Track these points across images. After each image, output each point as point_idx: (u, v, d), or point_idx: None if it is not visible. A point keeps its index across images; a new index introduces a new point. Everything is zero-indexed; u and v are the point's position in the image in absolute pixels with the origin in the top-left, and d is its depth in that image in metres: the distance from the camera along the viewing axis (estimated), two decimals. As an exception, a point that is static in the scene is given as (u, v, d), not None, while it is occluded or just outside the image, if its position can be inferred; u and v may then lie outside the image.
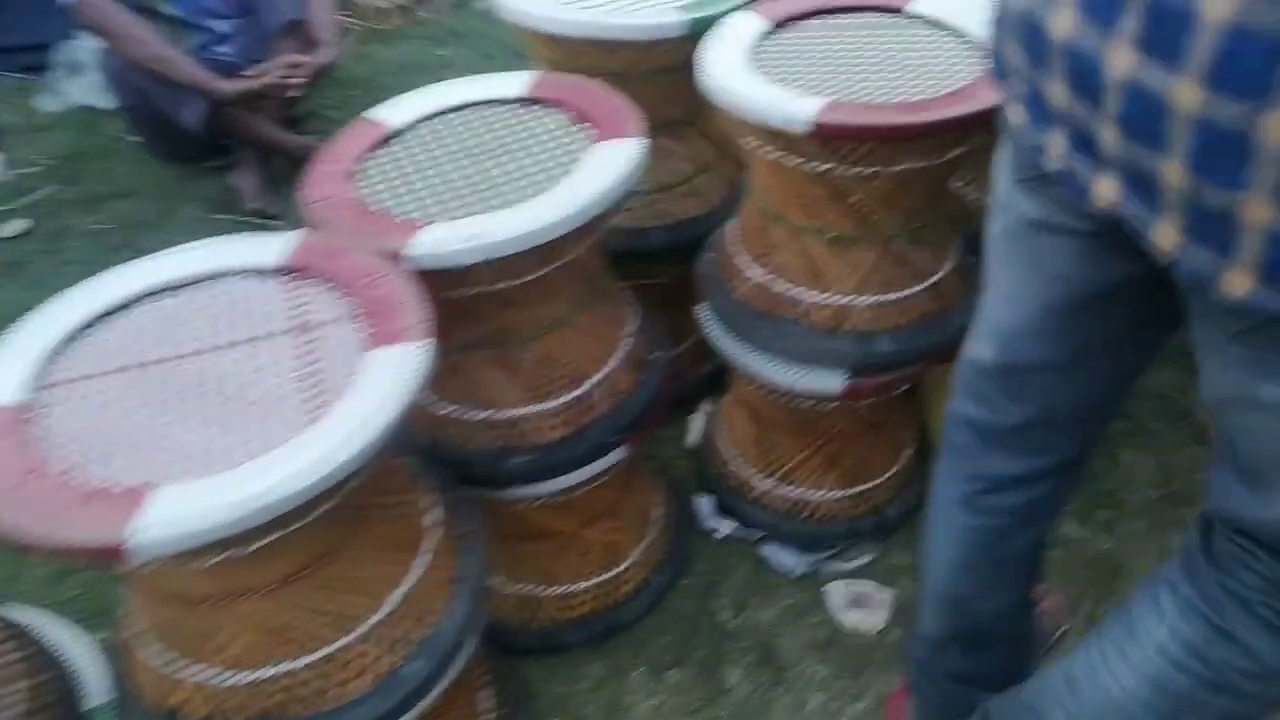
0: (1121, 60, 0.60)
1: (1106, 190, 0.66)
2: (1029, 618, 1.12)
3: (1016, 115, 0.75)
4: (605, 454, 1.19)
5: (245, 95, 2.10)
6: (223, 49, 2.30)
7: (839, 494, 1.47)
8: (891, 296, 1.24)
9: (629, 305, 1.26)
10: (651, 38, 1.25)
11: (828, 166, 1.12)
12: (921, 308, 1.25)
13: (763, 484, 1.49)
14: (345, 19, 2.94)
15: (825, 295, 1.24)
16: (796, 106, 1.06)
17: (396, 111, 1.17)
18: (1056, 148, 0.70)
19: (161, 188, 2.39)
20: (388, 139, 1.15)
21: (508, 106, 1.19)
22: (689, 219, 1.47)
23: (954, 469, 1.02)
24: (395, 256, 0.95)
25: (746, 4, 1.28)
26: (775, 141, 1.12)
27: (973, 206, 1.46)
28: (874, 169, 1.11)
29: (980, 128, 1.12)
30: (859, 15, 1.28)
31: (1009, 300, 0.88)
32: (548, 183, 1.04)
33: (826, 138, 1.07)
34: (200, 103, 2.12)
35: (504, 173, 1.07)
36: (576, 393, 1.16)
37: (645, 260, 1.50)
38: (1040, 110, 0.71)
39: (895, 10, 1.27)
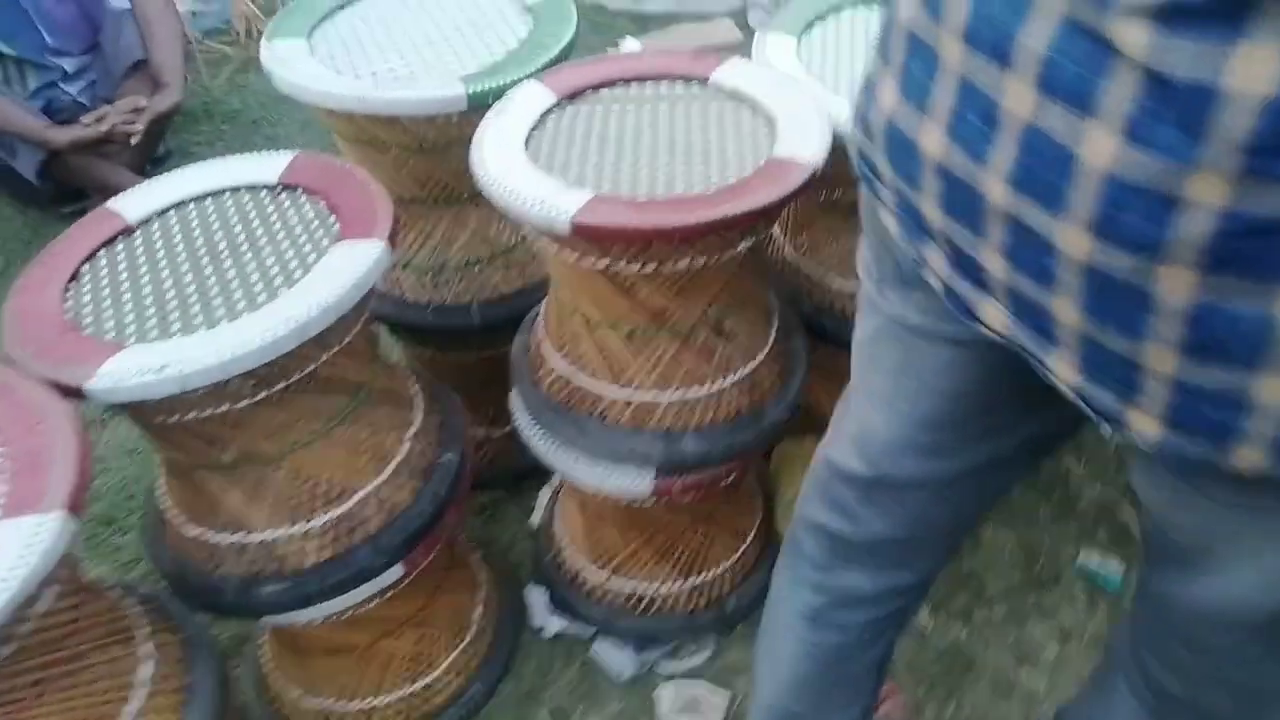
0: (999, 193, 0.53)
1: (994, 316, 0.60)
2: None
3: (888, 222, 0.67)
4: (378, 575, 1.08)
5: (80, 143, 1.97)
6: (69, 87, 2.17)
7: (674, 586, 1.37)
8: (697, 392, 1.13)
9: (412, 403, 1.15)
10: (430, 112, 1.14)
11: (605, 262, 1.01)
12: (732, 403, 1.15)
13: (595, 576, 1.39)
14: (220, 45, 2.81)
15: (626, 391, 1.13)
16: (558, 203, 0.95)
17: (138, 201, 1.06)
18: (936, 263, 0.62)
19: (13, 235, 2.26)
20: (120, 235, 1.03)
21: (259, 194, 1.07)
22: (509, 293, 1.37)
23: (799, 578, 0.94)
24: (75, 392, 0.83)
25: (535, 73, 1.16)
26: (547, 235, 1.01)
27: (801, 285, 1.36)
28: (652, 266, 1.01)
29: (765, 222, 1.03)
30: (657, 85, 1.17)
31: (881, 408, 0.79)
32: (277, 291, 0.93)
33: (588, 238, 0.96)
34: (35, 152, 1.99)
35: (237, 276, 0.96)
36: (339, 510, 1.05)
37: (466, 336, 1.39)
38: (915, 223, 0.63)
39: (698, 80, 1.17)
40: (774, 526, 1.45)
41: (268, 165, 1.09)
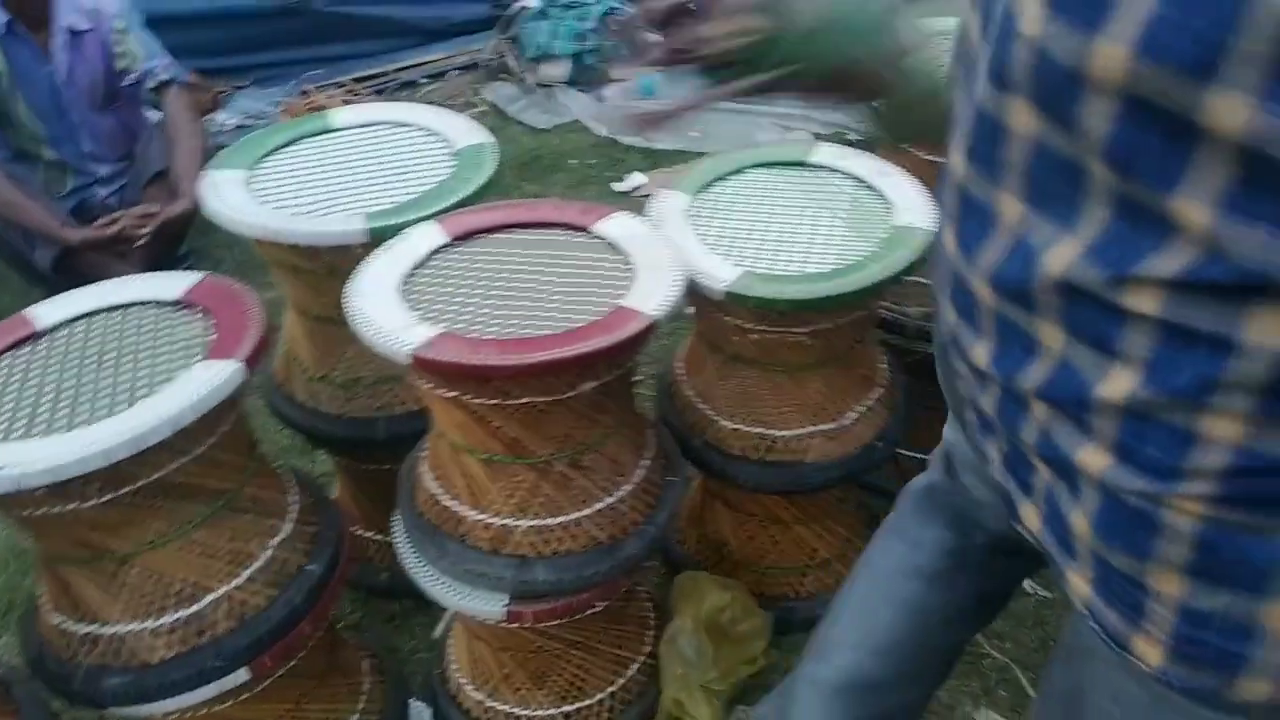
0: (1037, 406, 0.58)
1: (1031, 519, 0.63)
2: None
3: (961, 411, 0.72)
4: (222, 677, 1.12)
5: (90, 243, 2.15)
6: (103, 191, 2.38)
7: (549, 712, 1.38)
8: (554, 521, 1.18)
9: (285, 512, 1.21)
10: (334, 243, 1.24)
11: (454, 394, 1.08)
12: (589, 534, 1.19)
13: (474, 695, 1.41)
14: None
15: (485, 515, 1.18)
16: (404, 336, 1.03)
17: (52, 310, 1.17)
18: (995, 460, 0.67)
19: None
20: (28, 339, 1.14)
21: (159, 309, 1.18)
22: (416, 410, 1.44)
23: (908, 539, 1.03)
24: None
25: (436, 214, 1.26)
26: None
27: (696, 421, 1.41)
28: (495, 400, 1.07)
29: (607, 366, 1.09)
30: (544, 232, 1.26)
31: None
32: (135, 401, 1.01)
33: (426, 370, 1.03)
34: (52, 247, 2.18)
35: (110, 385, 1.05)
36: (189, 611, 1.10)
37: (375, 448, 1.46)
38: (980, 421, 0.68)
39: (583, 229, 1.25)
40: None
41: (175, 284, 1.19)
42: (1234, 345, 0.46)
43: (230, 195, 1.31)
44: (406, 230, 1.23)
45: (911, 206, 1.28)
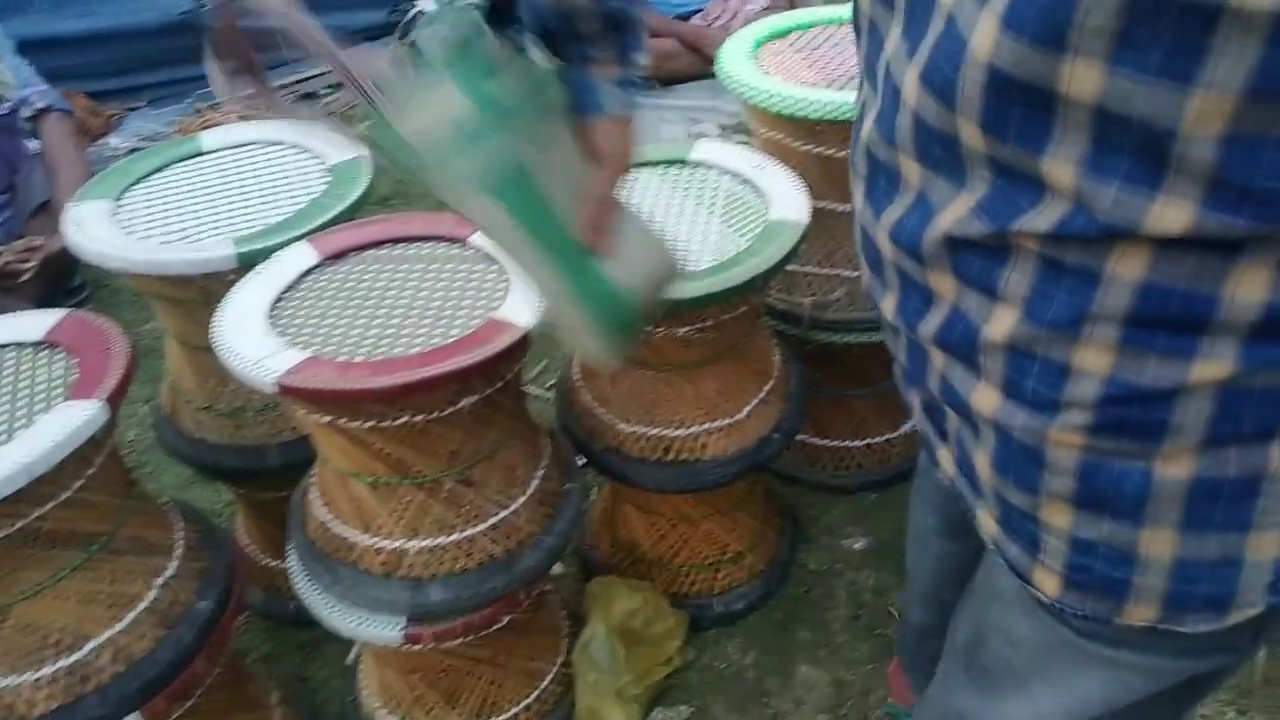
0: (937, 358, 0.62)
1: (946, 463, 0.68)
2: None
3: (898, 376, 0.75)
4: (109, 725, 1.09)
5: (-31, 279, 2.08)
6: (-14, 224, 2.29)
7: (464, 731, 1.37)
8: (446, 539, 1.16)
9: (170, 549, 1.18)
10: (201, 271, 1.21)
11: (329, 419, 1.06)
12: (484, 550, 1.18)
13: None
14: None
15: (376, 539, 1.16)
16: (269, 364, 1.01)
17: (-95, 357, 1.12)
18: (915, 406, 0.71)
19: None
20: (-122, 390, 1.09)
21: (21, 350, 1.13)
22: (303, 437, 1.40)
23: (927, 500, 1.08)
24: None
25: (307, 234, 1.24)
26: (275, 392, 1.06)
27: (594, 426, 1.40)
28: (371, 423, 1.05)
29: (483, 380, 1.07)
30: (420, 246, 1.24)
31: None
32: (-10, 451, 0.98)
33: (293, 398, 1.01)
34: (-70, 285, 2.10)
35: (-35, 435, 1.01)
36: (70, 660, 1.07)
37: (267, 476, 1.43)
38: (900, 369, 0.72)
39: (459, 241, 1.23)
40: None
41: (37, 324, 1.15)
42: (1100, 279, 0.50)
43: (94, 228, 1.27)
44: (277, 253, 1.20)
45: (786, 201, 1.29)
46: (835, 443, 1.79)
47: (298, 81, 3.44)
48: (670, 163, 1.43)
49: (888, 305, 0.66)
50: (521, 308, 1.08)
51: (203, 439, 1.40)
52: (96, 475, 1.07)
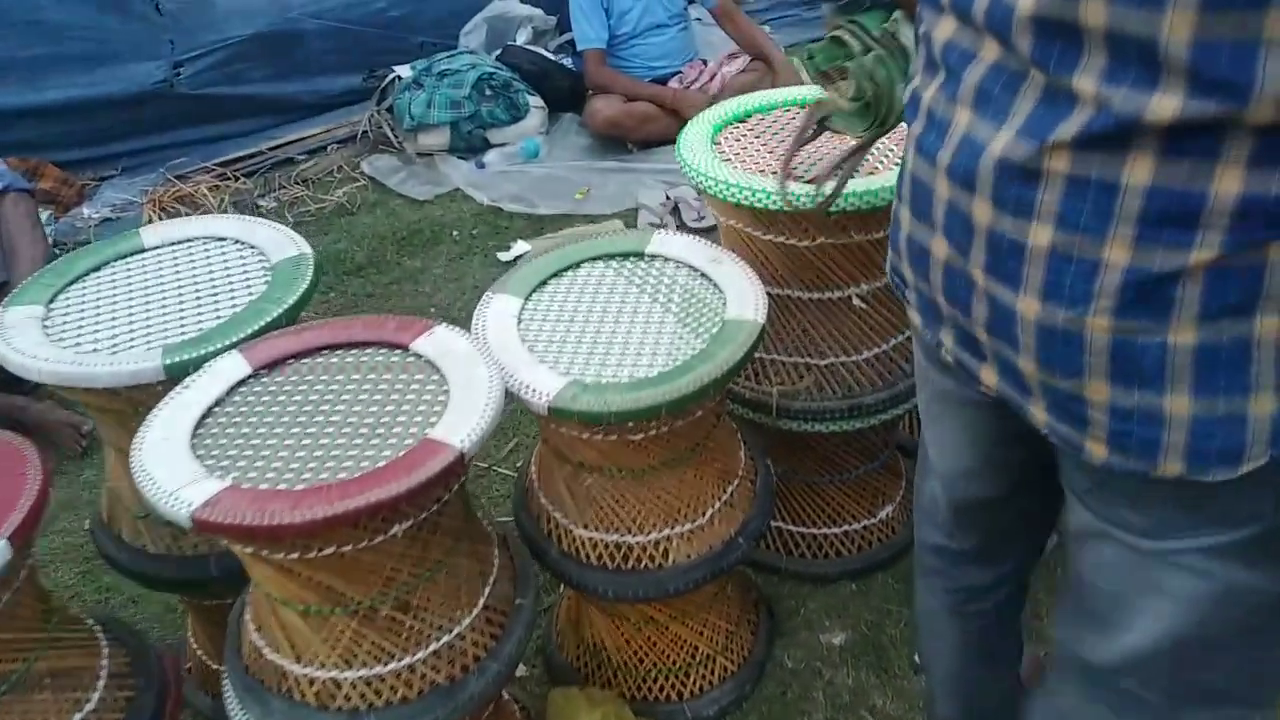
0: (980, 278, 0.74)
1: (988, 377, 0.80)
2: (1021, 688, 1.26)
3: (915, 317, 0.89)
4: None
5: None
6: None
7: None
8: (384, 669, 1.09)
9: (90, 680, 1.11)
10: (125, 384, 1.15)
11: (251, 549, 0.99)
12: (426, 678, 1.11)
13: None
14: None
15: (310, 669, 1.09)
16: (185, 495, 0.95)
17: None
18: (948, 342, 0.84)
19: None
20: None
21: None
22: (251, 545, 1.34)
23: (932, 586, 1.18)
24: None
25: (240, 342, 1.18)
26: (193, 522, 1.00)
27: (551, 530, 1.34)
28: (294, 555, 0.98)
29: (414, 508, 1.01)
30: (358, 353, 1.18)
31: (943, 453, 1.04)
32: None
33: (209, 533, 0.95)
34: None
35: None
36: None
37: (207, 586, 1.36)
38: (932, 314, 0.85)
39: (399, 348, 1.18)
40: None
41: (-50, 445, 1.09)
42: (1118, 187, 0.64)
43: (19, 337, 1.21)
44: (207, 364, 1.15)
45: (743, 298, 1.24)
46: (811, 530, 1.72)
47: (272, 148, 3.41)
48: (626, 256, 1.38)
49: (937, 247, 0.78)
50: (458, 426, 1.02)
51: (142, 548, 1.34)
52: (4, 611, 1.00)
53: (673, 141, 3.31)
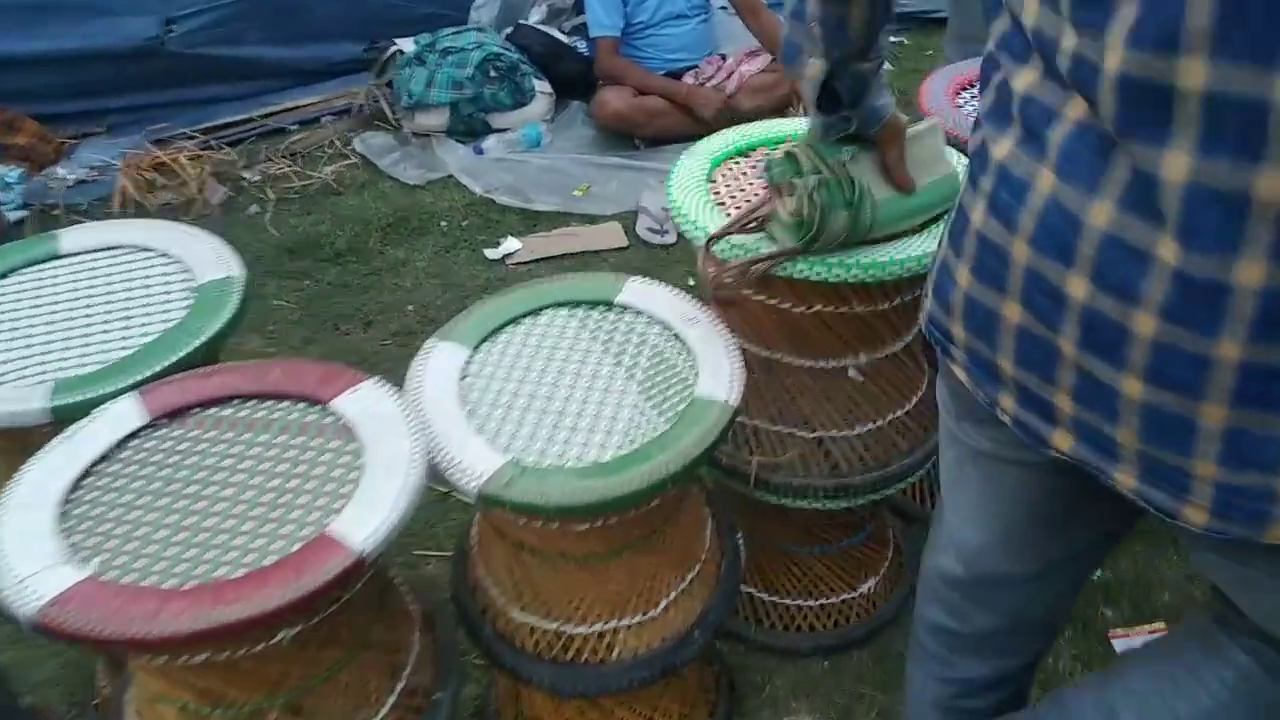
0: (1071, 350, 0.68)
1: (1061, 441, 0.74)
2: None
3: (960, 373, 0.81)
4: None
5: None
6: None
7: None
8: (270, 778, 0.95)
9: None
10: (9, 425, 1.01)
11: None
12: (318, 788, 0.97)
13: None
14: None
15: (186, 771, 0.96)
16: (37, 585, 0.81)
17: None
18: (1007, 404, 0.77)
19: None
20: None
21: None
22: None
23: (927, 672, 1.10)
24: None
25: (141, 383, 1.03)
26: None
27: (485, 608, 1.19)
28: (162, 659, 0.84)
29: (301, 615, 0.87)
30: (271, 408, 1.04)
31: (971, 521, 0.95)
32: None
33: (52, 636, 0.81)
34: None
35: None
36: None
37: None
38: (989, 375, 0.77)
39: (319, 404, 1.03)
40: None
41: None
42: (1230, 288, 0.58)
43: (-106, 357, 1.07)
44: (99, 408, 1.00)
45: (717, 372, 1.08)
46: (785, 600, 1.58)
47: (265, 116, 3.25)
48: (594, 304, 1.23)
49: (1011, 313, 0.71)
50: (364, 519, 0.87)
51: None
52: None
53: (683, 140, 3.16)
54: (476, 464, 0.98)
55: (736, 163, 1.37)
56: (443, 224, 2.79)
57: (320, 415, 1.03)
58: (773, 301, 1.22)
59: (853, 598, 1.58)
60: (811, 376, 1.29)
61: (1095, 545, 0.95)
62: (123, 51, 3.13)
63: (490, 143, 3.10)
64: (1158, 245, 0.60)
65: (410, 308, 2.46)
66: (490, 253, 2.65)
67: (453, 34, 3.22)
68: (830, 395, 1.31)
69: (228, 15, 3.23)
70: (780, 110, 3.08)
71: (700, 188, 1.28)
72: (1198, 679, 0.85)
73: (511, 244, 2.67)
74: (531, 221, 2.80)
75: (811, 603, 1.58)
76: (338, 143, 3.15)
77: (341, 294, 2.52)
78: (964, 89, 1.60)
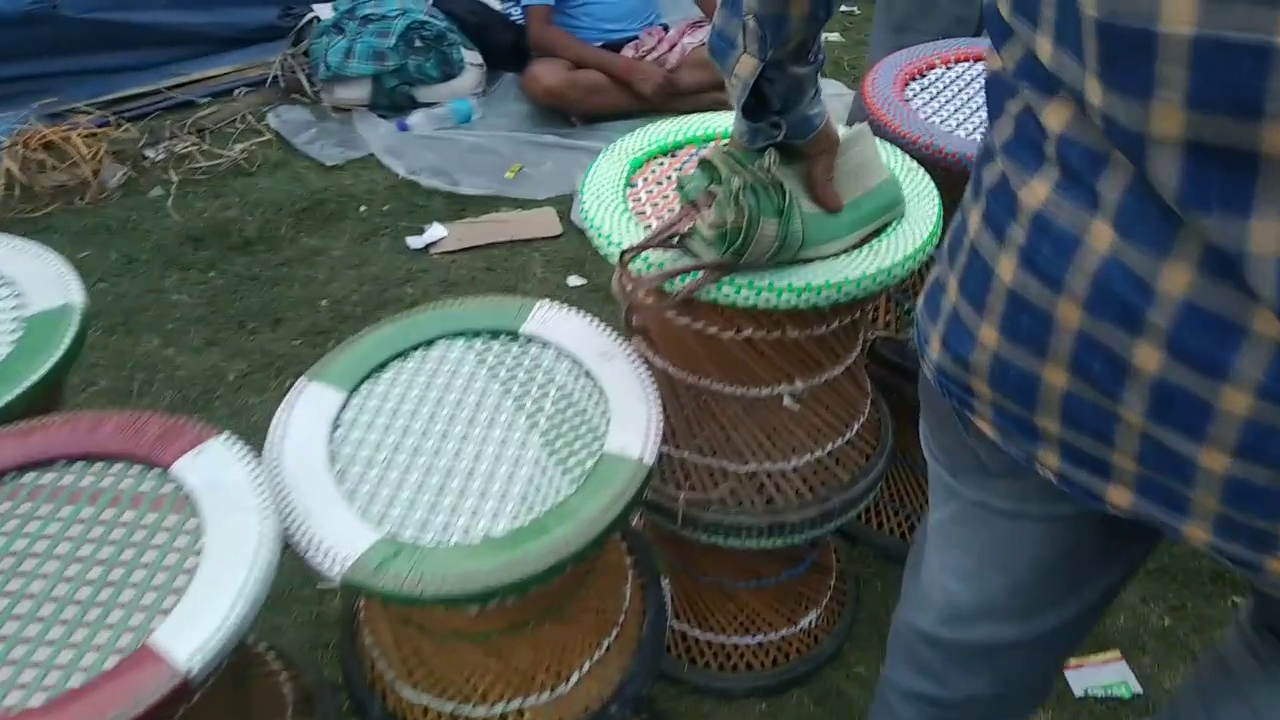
0: (1136, 422, 0.59)
1: (1119, 497, 0.65)
2: None
3: (984, 427, 0.71)
4: None
5: None
6: None
7: None
8: None
9: None
10: None
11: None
12: None
13: None
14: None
15: None
16: None
17: None
18: (1049, 460, 0.68)
19: None
20: None
21: None
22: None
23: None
24: None
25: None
26: None
27: (376, 687, 1.05)
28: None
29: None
30: (104, 471, 0.87)
31: (967, 580, 0.87)
32: None
33: None
34: None
35: None
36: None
37: None
38: (1025, 431, 0.68)
39: (157, 468, 0.87)
40: None
41: None
42: None
43: None
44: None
45: (631, 421, 0.94)
46: (719, 638, 1.46)
47: (172, 88, 3.01)
48: (496, 334, 1.07)
49: (1057, 378, 0.62)
50: (194, 627, 0.72)
51: None
52: None
53: (622, 117, 2.99)
54: (341, 543, 0.83)
55: (660, 163, 1.22)
56: (362, 209, 2.60)
57: (158, 482, 0.87)
58: (698, 326, 1.07)
59: (793, 633, 1.47)
60: (743, 406, 1.16)
61: (1106, 597, 0.86)
62: (10, 16, 2.87)
63: (416, 118, 2.90)
64: (1253, 318, 0.51)
65: (324, 303, 2.27)
66: (413, 241, 2.47)
67: (374, 0, 3.01)
68: (764, 425, 1.18)
69: (127, -25, 2.98)
70: (724, 87, 2.92)
71: (618, 195, 1.12)
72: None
73: (437, 230, 2.49)
74: (459, 206, 2.62)
75: (748, 640, 1.45)
76: (250, 118, 2.92)
77: (249, 287, 2.32)
78: (912, 79, 1.46)
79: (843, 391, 1.22)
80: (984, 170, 0.66)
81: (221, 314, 2.24)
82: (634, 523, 1.40)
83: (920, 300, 0.76)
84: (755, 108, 0.90)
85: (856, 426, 1.25)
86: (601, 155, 1.20)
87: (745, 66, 0.85)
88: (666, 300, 0.98)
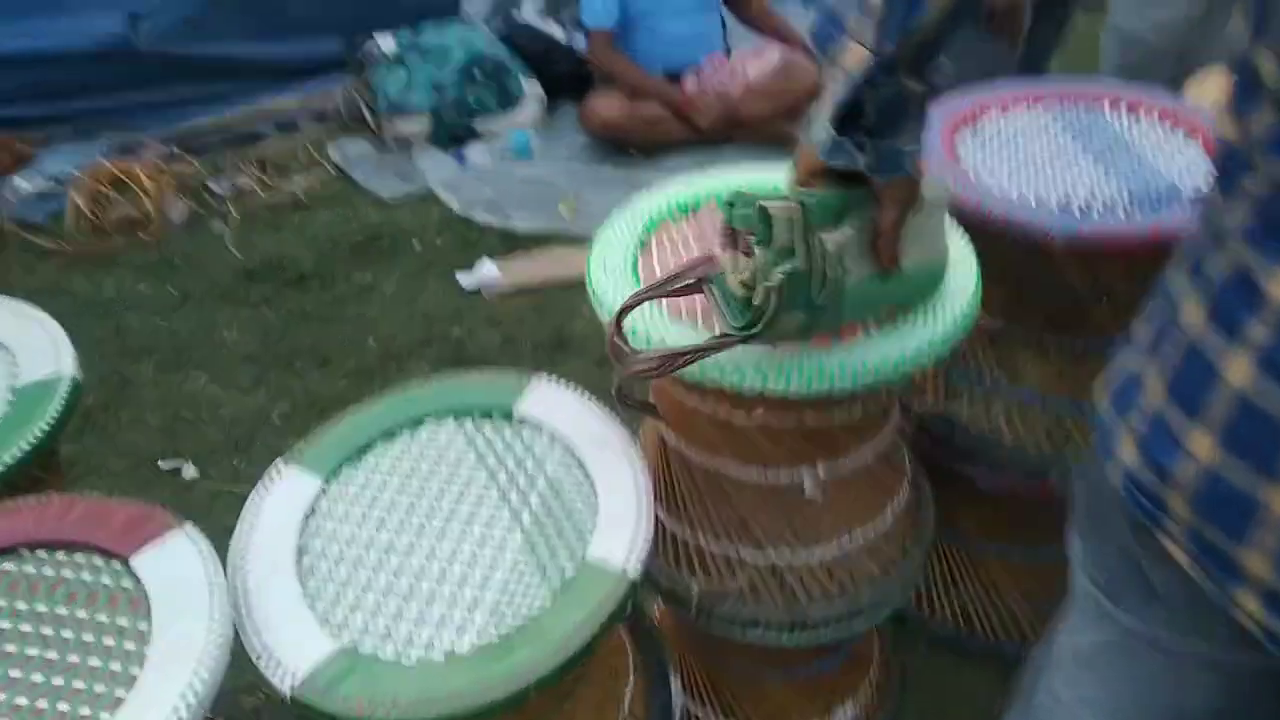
0: None
1: None
2: None
3: (1177, 554, 0.63)
4: None
5: None
6: None
7: None
8: None
9: None
10: None
11: None
12: None
13: None
14: (48, 242, 2.60)
15: None
16: None
17: None
18: (1251, 606, 0.60)
19: None
20: None
21: None
22: None
23: None
24: None
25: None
26: None
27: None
28: None
29: None
30: (64, 560, 0.83)
31: (1108, 715, 0.77)
32: None
33: None
34: None
35: None
36: None
37: None
38: (1222, 566, 0.61)
39: (116, 559, 0.83)
40: None
41: None
42: None
43: None
44: None
45: (616, 525, 0.86)
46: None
47: (238, 120, 3.06)
48: (489, 413, 1.01)
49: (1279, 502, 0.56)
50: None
51: None
52: None
53: (683, 148, 2.92)
54: (295, 655, 0.77)
55: (677, 226, 1.14)
56: (415, 243, 2.59)
57: (117, 576, 0.83)
58: (709, 409, 0.99)
59: (825, 726, 1.36)
60: (760, 494, 1.07)
61: None
62: (90, 52, 2.95)
63: (474, 151, 2.88)
64: None
65: (371, 341, 2.26)
66: (463, 278, 2.44)
67: (436, 30, 3.00)
68: (784, 511, 1.09)
69: (199, 8, 3.04)
70: (788, 116, 2.82)
71: (627, 261, 1.05)
72: None
73: (488, 269, 2.45)
74: (512, 242, 2.58)
75: (777, 732, 1.36)
76: (311, 149, 2.94)
77: (300, 325, 2.32)
78: (960, 126, 1.35)
79: (874, 475, 1.12)
80: (1208, 256, 0.58)
81: (271, 352, 2.24)
82: (651, 611, 1.32)
83: (1105, 390, 0.68)
84: (843, 118, 0.78)
85: (890, 514, 1.15)
86: (613, 219, 1.14)
87: (853, 57, 0.75)
88: (658, 372, 0.89)
